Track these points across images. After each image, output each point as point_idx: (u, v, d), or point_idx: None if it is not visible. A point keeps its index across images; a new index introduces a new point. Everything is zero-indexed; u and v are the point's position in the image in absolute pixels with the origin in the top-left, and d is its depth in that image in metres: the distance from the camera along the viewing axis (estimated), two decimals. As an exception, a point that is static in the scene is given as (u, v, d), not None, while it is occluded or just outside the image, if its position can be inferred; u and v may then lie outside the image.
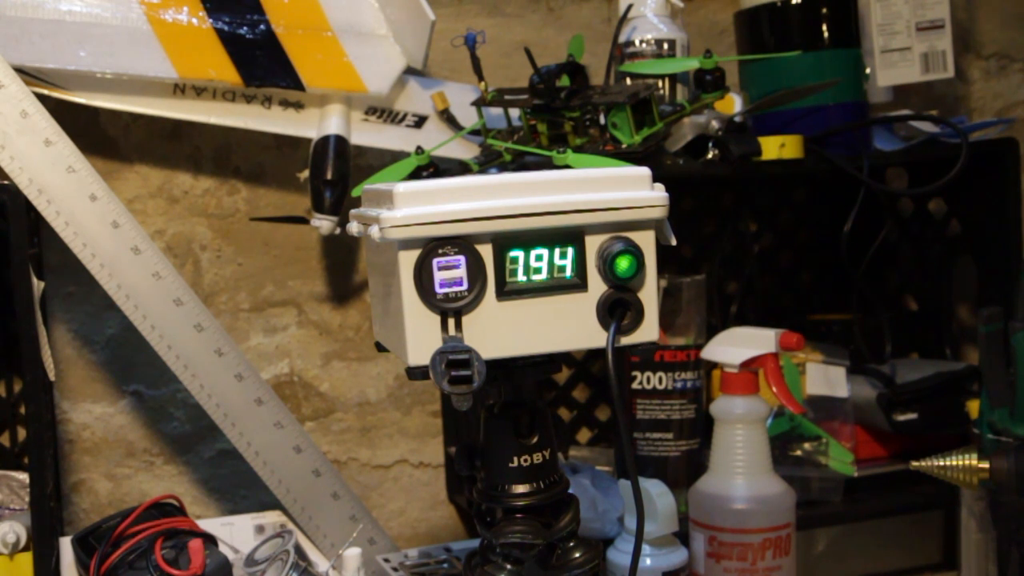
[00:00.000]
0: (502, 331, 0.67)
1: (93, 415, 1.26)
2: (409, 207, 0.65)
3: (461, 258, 0.65)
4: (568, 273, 0.68)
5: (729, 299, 1.44)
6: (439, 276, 0.65)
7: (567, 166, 0.98)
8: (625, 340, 0.70)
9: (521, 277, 0.67)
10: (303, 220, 1.24)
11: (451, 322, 0.66)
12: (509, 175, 0.68)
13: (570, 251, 0.67)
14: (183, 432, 1.29)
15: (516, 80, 1.34)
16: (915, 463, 1.02)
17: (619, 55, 1.23)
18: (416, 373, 0.66)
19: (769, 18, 1.28)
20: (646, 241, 0.69)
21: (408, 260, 0.65)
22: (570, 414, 1.40)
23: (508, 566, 0.75)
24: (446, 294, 0.65)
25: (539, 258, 0.67)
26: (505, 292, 0.67)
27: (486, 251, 0.66)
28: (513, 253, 0.67)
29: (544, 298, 0.67)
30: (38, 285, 1.02)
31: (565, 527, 0.76)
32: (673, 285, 1.17)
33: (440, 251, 0.65)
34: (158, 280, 1.08)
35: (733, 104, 1.30)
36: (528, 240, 0.67)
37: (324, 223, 1.18)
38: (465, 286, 0.66)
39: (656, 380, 1.17)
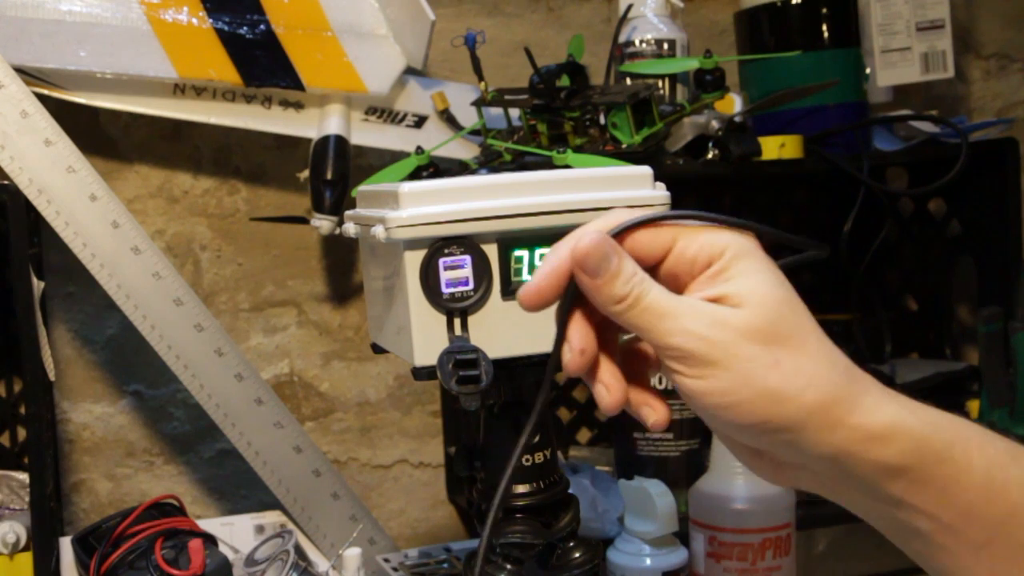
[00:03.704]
0: (507, 330, 0.67)
1: (93, 415, 1.26)
2: (415, 207, 0.64)
3: (467, 258, 0.65)
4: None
5: (729, 299, 1.44)
6: (445, 276, 0.65)
7: (567, 166, 0.98)
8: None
9: (526, 276, 0.67)
10: (303, 220, 1.24)
11: (457, 322, 0.66)
12: (514, 174, 0.68)
13: (574, 250, 0.67)
14: (183, 432, 1.29)
15: (516, 80, 1.34)
16: (915, 463, 1.02)
17: (619, 55, 1.23)
18: (422, 374, 0.66)
19: (769, 18, 1.28)
20: (649, 240, 0.69)
21: (414, 260, 0.65)
22: (570, 414, 1.40)
23: (508, 566, 0.74)
24: (452, 294, 0.65)
25: (543, 257, 0.67)
26: (510, 291, 0.67)
27: (491, 250, 0.66)
28: (518, 252, 0.67)
29: (549, 297, 0.67)
30: (38, 285, 1.02)
31: (565, 527, 0.76)
32: (673, 285, 1.17)
33: (446, 251, 0.65)
34: (158, 280, 1.08)
35: (733, 104, 1.30)
36: (533, 239, 0.67)
37: (324, 223, 1.18)
38: (471, 286, 0.66)
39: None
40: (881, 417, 0.51)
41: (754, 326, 0.50)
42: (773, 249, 0.55)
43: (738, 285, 0.51)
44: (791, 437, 0.50)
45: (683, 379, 0.51)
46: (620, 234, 0.53)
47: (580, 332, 0.54)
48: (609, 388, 0.54)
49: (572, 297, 0.53)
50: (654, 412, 0.55)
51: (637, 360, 0.57)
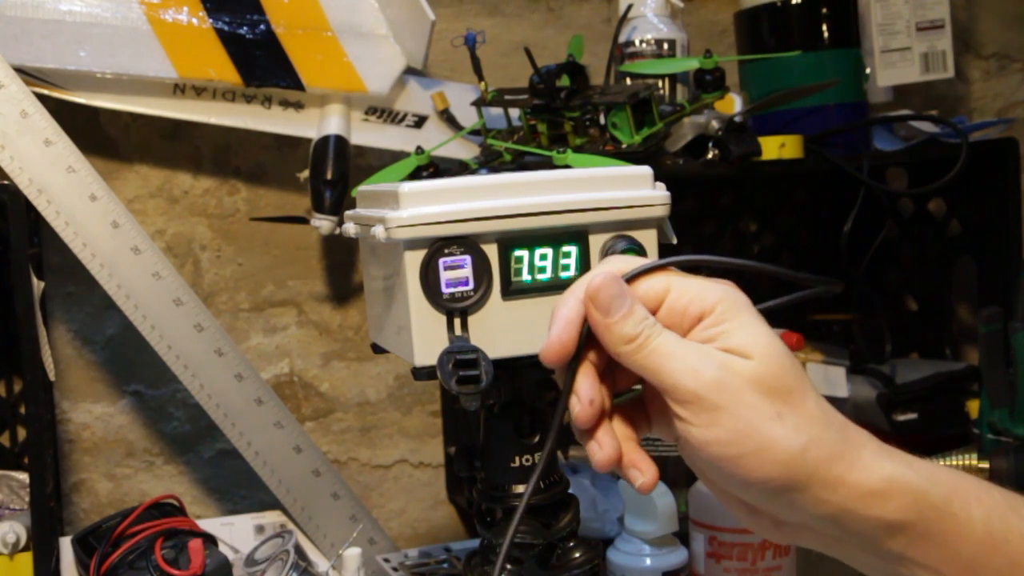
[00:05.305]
0: (507, 330, 0.67)
1: (93, 415, 1.26)
2: (415, 207, 0.64)
3: (467, 258, 0.65)
4: (572, 272, 0.68)
5: (729, 299, 1.43)
6: (445, 276, 0.65)
7: (567, 166, 0.98)
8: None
9: (526, 276, 0.67)
10: (303, 220, 1.24)
11: (457, 322, 0.66)
12: (514, 174, 0.68)
13: (574, 250, 0.67)
14: (183, 432, 1.29)
15: (516, 80, 1.34)
16: (915, 463, 1.02)
17: (619, 55, 1.23)
18: (422, 373, 0.66)
19: (769, 18, 1.28)
20: (648, 240, 0.69)
21: (414, 260, 0.65)
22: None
23: (508, 566, 0.74)
24: (452, 294, 0.65)
25: (543, 257, 0.67)
26: (510, 291, 0.66)
27: (491, 250, 0.66)
28: (518, 252, 0.66)
29: (549, 297, 0.67)
30: (38, 285, 1.02)
31: (565, 527, 0.76)
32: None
33: (446, 251, 0.65)
34: (158, 280, 1.08)
35: (733, 104, 1.30)
36: (533, 239, 0.67)
37: (324, 223, 1.18)
38: (471, 286, 0.66)
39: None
40: (879, 473, 0.51)
41: (760, 377, 0.51)
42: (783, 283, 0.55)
43: (740, 338, 0.52)
44: (793, 497, 0.51)
45: (688, 427, 0.51)
46: (631, 280, 0.54)
47: (588, 383, 0.55)
48: (602, 444, 0.55)
49: (580, 347, 0.54)
50: (642, 475, 0.56)
51: (629, 420, 0.58)
